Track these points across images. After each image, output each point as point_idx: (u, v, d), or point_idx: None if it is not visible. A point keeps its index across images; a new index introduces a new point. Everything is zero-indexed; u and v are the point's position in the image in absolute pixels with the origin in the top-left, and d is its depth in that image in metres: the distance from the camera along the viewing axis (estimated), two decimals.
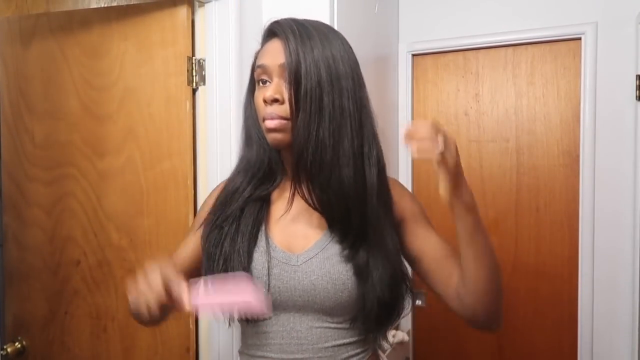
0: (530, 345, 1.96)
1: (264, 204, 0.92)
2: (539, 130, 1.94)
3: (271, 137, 0.87)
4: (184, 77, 1.39)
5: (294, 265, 0.87)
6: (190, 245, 0.98)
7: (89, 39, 1.49)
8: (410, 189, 1.95)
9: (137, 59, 1.44)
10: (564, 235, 1.90)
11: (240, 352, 0.97)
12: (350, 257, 0.86)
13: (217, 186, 1.03)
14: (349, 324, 0.89)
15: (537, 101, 1.94)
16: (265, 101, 0.85)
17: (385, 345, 1.68)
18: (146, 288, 0.72)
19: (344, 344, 0.89)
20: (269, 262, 0.86)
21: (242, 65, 1.40)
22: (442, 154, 0.70)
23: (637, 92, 1.73)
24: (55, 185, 1.56)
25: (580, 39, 1.85)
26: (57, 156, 1.55)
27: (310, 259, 0.87)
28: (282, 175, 0.93)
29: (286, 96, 0.83)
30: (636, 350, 1.74)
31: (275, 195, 0.94)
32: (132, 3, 1.45)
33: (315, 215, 0.89)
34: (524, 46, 1.95)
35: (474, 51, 2.03)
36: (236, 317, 0.90)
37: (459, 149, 0.75)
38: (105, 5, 1.50)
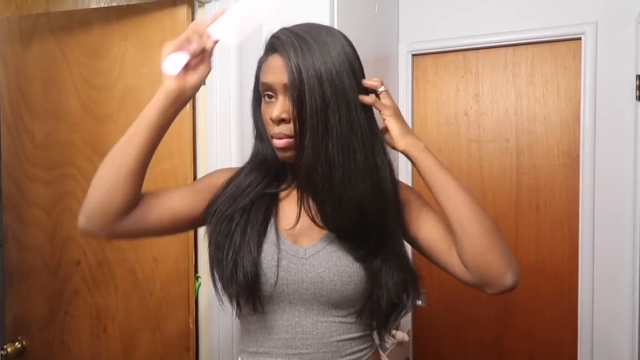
0: (531, 345, 1.96)
1: (273, 198, 0.93)
2: (539, 130, 1.94)
3: (281, 155, 0.87)
4: None
5: (301, 257, 0.87)
6: (186, 198, 0.92)
7: (89, 39, 1.49)
8: None
9: (137, 59, 1.44)
10: (564, 235, 1.90)
11: (241, 351, 0.97)
12: (364, 261, 0.87)
13: (227, 168, 1.01)
14: (355, 318, 0.90)
15: (537, 101, 1.94)
16: (272, 120, 0.84)
17: (387, 344, 1.68)
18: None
19: (348, 339, 0.90)
20: (278, 254, 0.87)
21: (242, 65, 1.40)
22: (387, 91, 0.88)
23: (637, 92, 1.73)
24: (55, 185, 1.56)
25: (580, 39, 1.84)
26: (57, 156, 1.56)
27: (317, 252, 0.88)
28: (292, 177, 0.94)
29: (292, 116, 0.82)
30: (636, 350, 1.74)
31: (283, 194, 0.94)
32: (132, 3, 1.45)
33: None
34: (524, 46, 1.95)
35: (474, 51, 2.03)
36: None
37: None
38: (105, 5, 1.50)
